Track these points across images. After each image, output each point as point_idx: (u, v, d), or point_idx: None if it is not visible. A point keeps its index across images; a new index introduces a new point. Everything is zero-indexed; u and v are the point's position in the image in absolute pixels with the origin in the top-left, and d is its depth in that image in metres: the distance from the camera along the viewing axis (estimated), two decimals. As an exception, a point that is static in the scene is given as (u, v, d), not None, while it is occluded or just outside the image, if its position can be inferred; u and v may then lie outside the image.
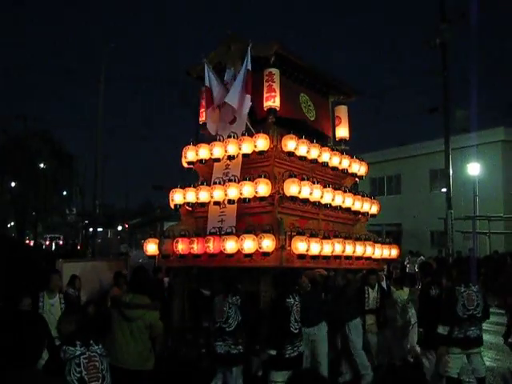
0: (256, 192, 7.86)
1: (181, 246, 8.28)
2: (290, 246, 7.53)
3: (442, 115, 16.77)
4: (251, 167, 8.56)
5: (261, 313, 7.32)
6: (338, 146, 10.30)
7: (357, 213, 9.70)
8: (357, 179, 10.30)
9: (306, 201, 8.16)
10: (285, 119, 8.86)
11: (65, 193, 37.76)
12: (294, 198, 7.94)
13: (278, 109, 8.55)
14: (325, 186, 8.65)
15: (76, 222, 41.68)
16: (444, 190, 18.18)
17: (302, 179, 8.14)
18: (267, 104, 8.47)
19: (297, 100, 9.46)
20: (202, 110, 9.45)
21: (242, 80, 8.54)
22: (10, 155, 31.56)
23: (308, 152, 8.50)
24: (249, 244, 7.46)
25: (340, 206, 9.03)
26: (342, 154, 9.77)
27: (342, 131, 10.38)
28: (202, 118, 9.42)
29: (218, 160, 8.71)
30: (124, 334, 5.92)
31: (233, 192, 8.08)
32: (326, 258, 8.12)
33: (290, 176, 7.96)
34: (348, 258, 8.76)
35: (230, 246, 7.63)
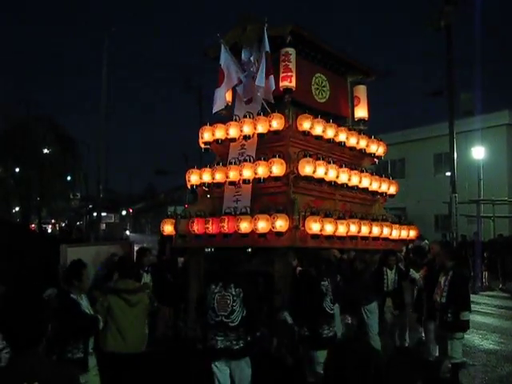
0: (270, 172, 7.86)
1: (196, 227, 8.35)
2: (303, 226, 7.52)
3: (447, 98, 16.54)
4: (267, 147, 8.54)
5: (277, 291, 7.40)
6: (356, 126, 10.23)
7: (375, 193, 9.62)
8: (375, 160, 10.20)
9: (321, 181, 8.14)
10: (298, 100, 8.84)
11: (69, 178, 37.57)
12: (308, 178, 7.91)
13: (293, 89, 8.50)
14: (341, 166, 8.61)
15: (80, 207, 41.47)
16: (448, 173, 17.98)
17: (317, 159, 8.10)
18: (283, 84, 8.43)
19: (309, 81, 9.36)
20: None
21: (265, 62, 8.52)
22: (14, 141, 31.62)
23: (324, 131, 8.45)
24: (262, 224, 7.47)
25: (357, 186, 8.97)
26: (360, 134, 9.68)
27: (361, 111, 10.27)
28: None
29: (234, 140, 8.73)
30: (129, 320, 6.09)
31: (247, 172, 8.10)
32: (341, 238, 8.07)
33: (305, 156, 7.93)
34: (364, 238, 8.71)
35: (244, 226, 7.65)
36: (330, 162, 8.33)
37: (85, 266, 5.88)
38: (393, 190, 10.00)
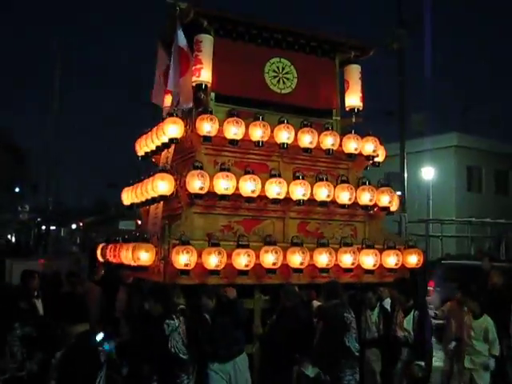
0: (153, 190, 6.44)
1: (110, 254, 7.30)
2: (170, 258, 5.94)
3: (398, 119, 16.60)
4: (186, 158, 7.15)
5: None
6: (347, 117, 8.01)
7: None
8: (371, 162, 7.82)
9: (225, 197, 6.40)
10: (231, 97, 7.15)
11: (17, 189, 35.98)
12: (197, 196, 6.27)
13: (208, 84, 6.88)
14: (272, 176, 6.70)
15: (28, 220, 38.72)
16: (399, 193, 15.99)
17: (223, 169, 6.41)
18: (194, 79, 6.87)
19: (259, 70, 7.50)
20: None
21: (176, 60, 7.14)
22: None
23: (237, 134, 6.63)
24: (143, 254, 6.12)
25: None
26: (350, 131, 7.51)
27: (353, 98, 7.96)
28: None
29: (162, 149, 7.38)
30: None
31: (150, 190, 6.76)
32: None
33: (195, 167, 6.29)
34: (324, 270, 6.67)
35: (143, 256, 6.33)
36: (250, 172, 6.52)
37: None
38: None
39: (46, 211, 26.25)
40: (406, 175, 16.81)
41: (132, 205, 7.79)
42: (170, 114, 6.70)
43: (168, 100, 7.96)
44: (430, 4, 16.21)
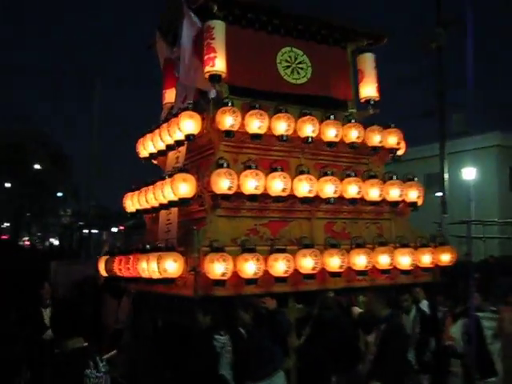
0: (174, 193, 5.73)
1: (118, 267, 6.53)
2: (203, 267, 5.26)
3: (437, 119, 15.75)
4: (202, 156, 6.49)
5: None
6: (363, 110, 7.51)
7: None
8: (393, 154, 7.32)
9: (254, 197, 5.77)
10: (244, 89, 6.53)
11: (60, 194, 36.65)
12: (225, 196, 5.61)
13: (223, 74, 6.23)
14: (301, 173, 6.11)
15: (70, 224, 40.13)
16: (439, 194, 17.17)
17: (247, 167, 5.76)
18: (207, 69, 6.21)
19: (271, 59, 6.92)
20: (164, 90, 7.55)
21: (188, 46, 6.48)
22: (6, 156, 31.25)
23: (261, 127, 6.00)
24: (170, 265, 5.38)
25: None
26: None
27: (368, 89, 7.46)
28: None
29: (172, 148, 6.68)
30: None
31: (167, 193, 6.03)
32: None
33: (219, 165, 5.64)
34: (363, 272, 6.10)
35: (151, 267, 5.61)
36: (278, 169, 5.91)
37: None
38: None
39: (87, 215, 25.79)
40: (446, 176, 16.04)
41: (137, 212, 7.03)
42: (185, 109, 6.01)
43: (170, 95, 7.30)
44: (471, 3, 15.92)
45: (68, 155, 37.64)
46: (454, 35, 16.06)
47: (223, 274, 5.08)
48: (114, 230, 48.73)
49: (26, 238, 40.41)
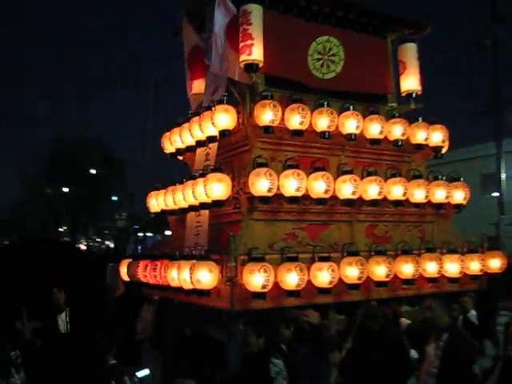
0: (207, 194, 5.25)
1: (142, 273, 6.05)
2: (241, 278, 4.77)
3: (493, 118, 16.01)
4: (233, 154, 6.00)
5: None
6: (404, 104, 6.98)
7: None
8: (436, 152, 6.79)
9: (295, 199, 5.28)
10: (280, 80, 6.02)
11: (115, 198, 37.32)
12: (263, 199, 5.12)
13: (260, 64, 5.71)
14: (339, 174, 5.60)
15: (126, 227, 40.94)
16: (495, 194, 17.48)
17: (287, 167, 5.27)
18: (242, 58, 5.69)
19: (303, 50, 6.39)
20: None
21: (221, 33, 5.96)
22: (64, 162, 32.59)
23: (303, 123, 5.49)
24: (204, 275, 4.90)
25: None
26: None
27: (410, 81, 6.92)
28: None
29: (203, 144, 6.17)
30: None
31: (199, 194, 5.52)
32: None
33: (259, 164, 5.13)
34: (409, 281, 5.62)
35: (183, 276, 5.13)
36: (321, 169, 5.40)
37: None
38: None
39: (142, 219, 25.68)
40: (503, 176, 16.10)
41: (162, 212, 6.56)
42: (220, 102, 5.51)
43: (198, 86, 6.79)
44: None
45: (121, 159, 38.25)
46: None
47: (264, 287, 4.60)
48: (168, 233, 49.82)
49: (83, 241, 41.52)
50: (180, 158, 6.87)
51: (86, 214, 37.03)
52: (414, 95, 6.91)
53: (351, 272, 5.13)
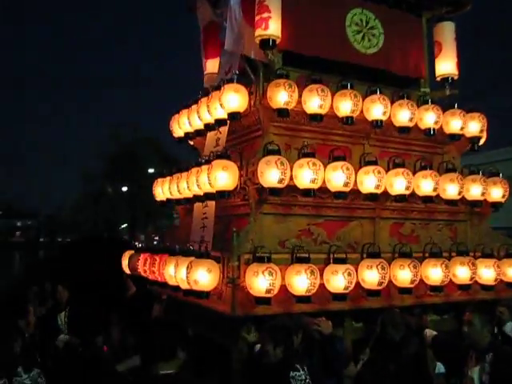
0: (211, 184, 4.69)
1: (142, 267, 5.55)
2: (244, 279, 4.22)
3: None
4: (246, 139, 5.43)
5: None
6: (438, 90, 6.29)
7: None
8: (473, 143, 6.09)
9: (308, 192, 4.68)
10: (301, 59, 5.40)
11: None
12: (273, 191, 4.54)
13: (277, 40, 5.10)
14: (366, 164, 4.99)
15: None
16: None
17: (303, 155, 4.68)
18: (258, 33, 5.09)
19: (340, 22, 5.76)
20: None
21: (237, 6, 5.40)
22: (122, 162, 33.13)
23: (322, 106, 4.87)
24: (202, 276, 4.37)
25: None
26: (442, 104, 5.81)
27: (446, 64, 6.22)
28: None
29: (212, 128, 5.61)
30: None
31: (203, 183, 4.97)
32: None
33: (269, 152, 4.56)
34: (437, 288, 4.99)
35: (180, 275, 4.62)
36: (341, 158, 4.80)
37: None
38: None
39: None
40: None
41: (168, 201, 6.05)
42: (230, 80, 4.93)
43: (212, 65, 6.24)
44: None
45: (176, 158, 38.88)
46: None
47: (269, 291, 4.04)
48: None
49: (142, 239, 42.48)
50: (191, 143, 6.33)
51: (144, 213, 37.56)
52: (449, 80, 6.20)
53: (371, 276, 4.54)
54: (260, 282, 4.01)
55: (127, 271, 6.14)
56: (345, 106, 4.97)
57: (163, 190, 6.00)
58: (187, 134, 5.98)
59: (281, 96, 4.69)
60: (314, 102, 4.80)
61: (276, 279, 4.07)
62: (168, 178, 5.95)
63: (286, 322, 4.17)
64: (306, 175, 4.53)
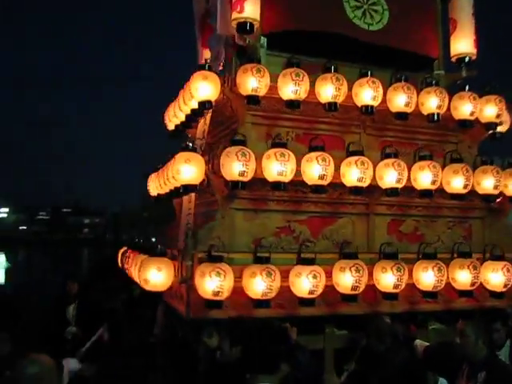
0: (175, 178, 4.42)
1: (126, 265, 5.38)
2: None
3: None
4: (228, 132, 5.11)
5: None
6: (453, 72, 5.67)
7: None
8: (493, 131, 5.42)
9: (278, 185, 4.28)
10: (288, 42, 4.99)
11: None
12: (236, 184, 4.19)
13: (255, 23, 4.73)
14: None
15: None
16: None
17: (277, 144, 4.30)
18: (234, 16, 4.75)
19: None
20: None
21: None
22: None
23: (297, 92, 4.45)
24: (152, 274, 4.13)
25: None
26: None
27: (462, 43, 5.58)
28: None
29: (200, 115, 5.31)
30: None
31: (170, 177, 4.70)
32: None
33: (234, 143, 4.21)
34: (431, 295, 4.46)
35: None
36: (317, 148, 4.37)
37: None
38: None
39: None
40: None
41: (158, 196, 5.83)
42: (201, 67, 4.62)
43: (207, 54, 5.96)
44: None
45: None
46: None
47: (217, 294, 3.69)
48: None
49: None
50: (189, 136, 6.08)
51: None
52: (466, 60, 5.56)
53: (344, 279, 4.08)
54: (207, 283, 3.68)
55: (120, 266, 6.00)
56: (326, 90, 4.51)
57: (155, 185, 5.79)
58: (177, 127, 5.72)
59: (249, 82, 4.32)
60: (289, 87, 4.39)
61: (225, 281, 3.71)
62: (157, 173, 5.73)
63: (250, 325, 3.82)
64: (274, 167, 4.15)
